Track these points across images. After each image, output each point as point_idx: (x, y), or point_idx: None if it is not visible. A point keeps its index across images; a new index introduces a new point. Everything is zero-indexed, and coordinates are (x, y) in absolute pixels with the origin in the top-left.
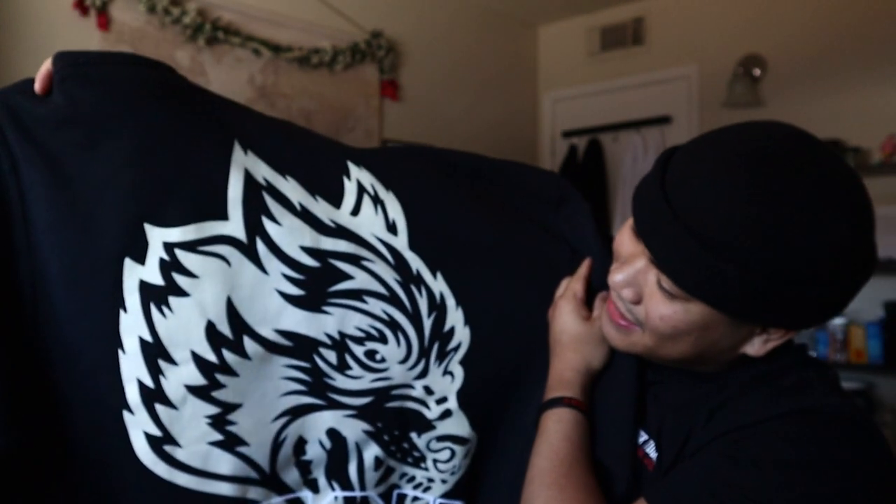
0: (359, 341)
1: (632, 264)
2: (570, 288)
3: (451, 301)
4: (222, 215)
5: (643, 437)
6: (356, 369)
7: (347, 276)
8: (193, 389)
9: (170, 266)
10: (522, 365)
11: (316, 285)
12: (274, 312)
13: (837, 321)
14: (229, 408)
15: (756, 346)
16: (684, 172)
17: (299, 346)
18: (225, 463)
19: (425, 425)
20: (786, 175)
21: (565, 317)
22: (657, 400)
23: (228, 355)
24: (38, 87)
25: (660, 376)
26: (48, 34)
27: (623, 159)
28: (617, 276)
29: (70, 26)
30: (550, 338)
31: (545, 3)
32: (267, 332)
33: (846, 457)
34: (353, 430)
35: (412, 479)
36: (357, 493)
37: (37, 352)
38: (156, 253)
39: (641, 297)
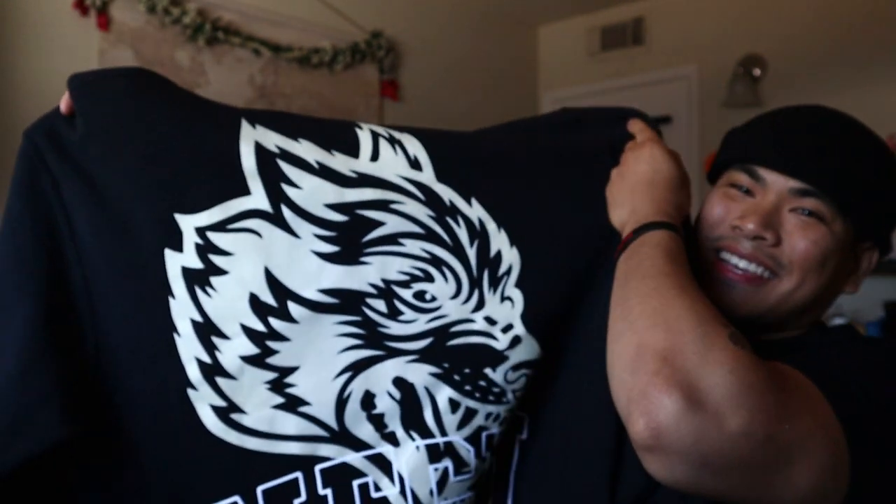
0: (404, 285)
1: (758, 206)
2: (640, 137)
3: (491, 225)
4: (244, 191)
5: None
6: (408, 313)
7: (378, 223)
8: (248, 359)
9: (205, 248)
10: (581, 271)
11: (349, 239)
12: (314, 273)
13: (837, 321)
14: (286, 371)
15: (851, 284)
16: (785, 120)
17: (346, 302)
18: (290, 424)
19: (497, 357)
20: (856, 121)
21: (660, 158)
22: None
23: (275, 322)
24: (63, 108)
25: None
26: (48, 34)
27: None
28: (749, 224)
29: (70, 26)
30: (634, 177)
31: (545, 3)
32: (311, 294)
33: None
34: (420, 374)
35: (497, 416)
36: (439, 440)
37: (102, 352)
38: (190, 239)
39: (780, 236)
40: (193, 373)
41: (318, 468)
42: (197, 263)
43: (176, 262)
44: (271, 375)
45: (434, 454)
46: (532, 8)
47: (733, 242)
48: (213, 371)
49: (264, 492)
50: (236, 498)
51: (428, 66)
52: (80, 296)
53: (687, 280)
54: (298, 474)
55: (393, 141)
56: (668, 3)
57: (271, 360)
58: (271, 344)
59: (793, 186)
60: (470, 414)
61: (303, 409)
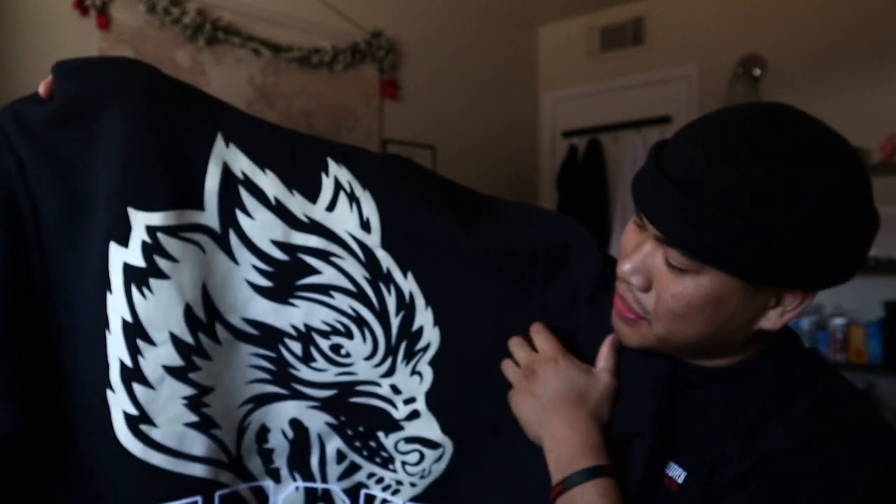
0: (324, 335)
1: (639, 250)
2: (548, 349)
3: (420, 301)
4: (199, 205)
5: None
6: (321, 362)
7: (315, 271)
8: (171, 370)
9: (152, 249)
10: (497, 369)
11: (284, 278)
12: (243, 302)
13: (837, 321)
14: (204, 390)
15: (773, 320)
16: (677, 146)
17: (265, 336)
18: (199, 444)
19: (392, 425)
20: (776, 130)
21: (572, 371)
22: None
23: (204, 338)
24: (41, 90)
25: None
26: (48, 34)
27: (623, 159)
28: (625, 266)
29: (70, 26)
30: (546, 395)
31: (545, 3)
32: (235, 320)
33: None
34: (316, 421)
35: (380, 479)
36: (318, 485)
37: (51, 340)
38: (138, 236)
39: (650, 282)
40: (114, 374)
41: (217, 494)
42: (139, 262)
43: (119, 257)
44: (190, 391)
45: (311, 498)
46: (532, 8)
47: None
48: (132, 376)
49: None
50: None
51: (428, 66)
52: (38, 282)
53: None
54: (198, 499)
55: (352, 198)
56: (668, 3)
57: (193, 376)
58: (196, 359)
59: (656, 233)
60: (353, 468)
61: (214, 431)
